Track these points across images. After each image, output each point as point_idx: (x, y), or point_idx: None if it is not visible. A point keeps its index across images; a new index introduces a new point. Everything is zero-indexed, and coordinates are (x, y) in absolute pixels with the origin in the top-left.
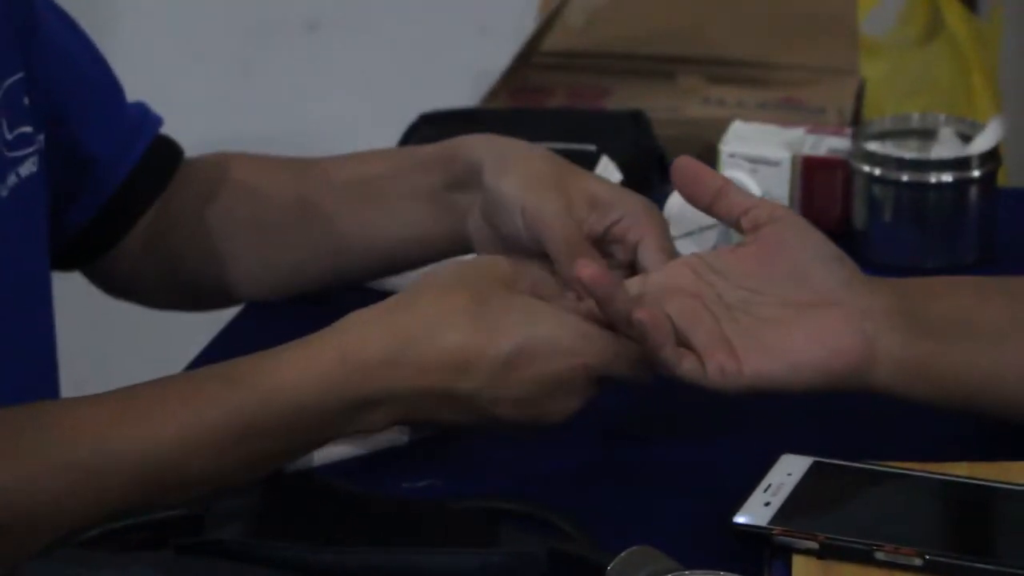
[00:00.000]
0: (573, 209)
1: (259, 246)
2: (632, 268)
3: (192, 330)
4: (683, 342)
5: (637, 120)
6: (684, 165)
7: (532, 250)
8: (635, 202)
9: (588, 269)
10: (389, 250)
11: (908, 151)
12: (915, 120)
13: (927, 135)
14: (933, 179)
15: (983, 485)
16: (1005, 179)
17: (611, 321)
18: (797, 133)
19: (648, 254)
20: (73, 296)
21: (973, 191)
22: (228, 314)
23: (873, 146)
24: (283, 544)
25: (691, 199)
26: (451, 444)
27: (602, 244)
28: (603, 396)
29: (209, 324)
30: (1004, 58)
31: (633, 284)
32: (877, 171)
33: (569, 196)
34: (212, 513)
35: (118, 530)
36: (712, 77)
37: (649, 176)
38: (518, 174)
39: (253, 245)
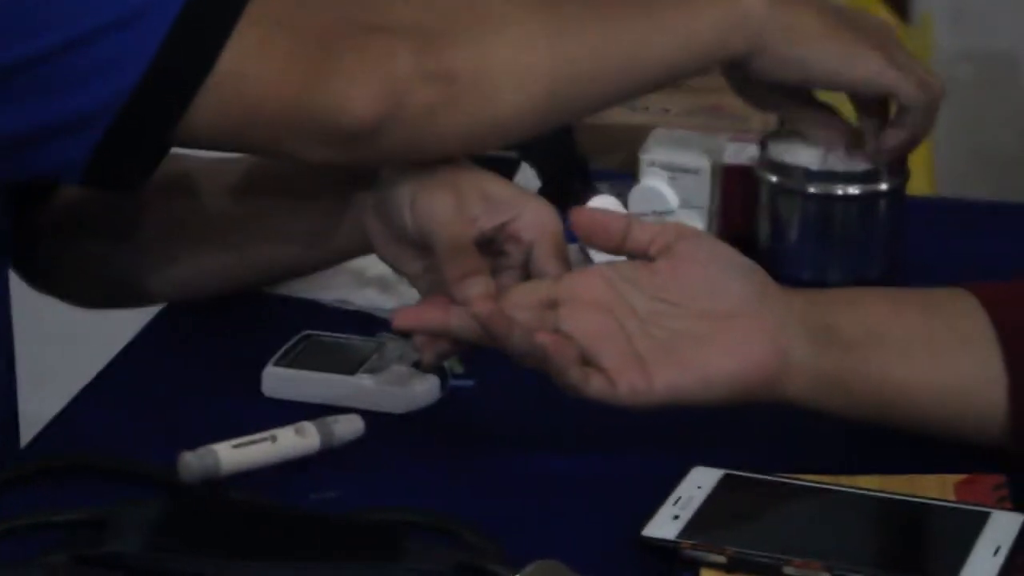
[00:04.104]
0: (465, 207)
1: (169, 246)
2: (526, 268)
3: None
4: (591, 361)
5: (559, 127)
6: (581, 218)
7: (420, 246)
8: (530, 202)
9: (484, 305)
10: (294, 248)
11: (815, 161)
12: None
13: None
14: (840, 191)
15: (893, 499)
16: (933, 187)
17: (507, 353)
18: (719, 141)
19: (542, 254)
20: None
21: (881, 204)
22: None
23: (779, 155)
24: (183, 558)
25: (601, 248)
26: (360, 454)
27: (495, 243)
28: (513, 408)
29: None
30: (935, 64)
31: (542, 287)
32: (782, 181)
33: (461, 194)
34: (113, 520)
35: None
36: None
37: (571, 184)
38: (412, 170)
39: (161, 244)
